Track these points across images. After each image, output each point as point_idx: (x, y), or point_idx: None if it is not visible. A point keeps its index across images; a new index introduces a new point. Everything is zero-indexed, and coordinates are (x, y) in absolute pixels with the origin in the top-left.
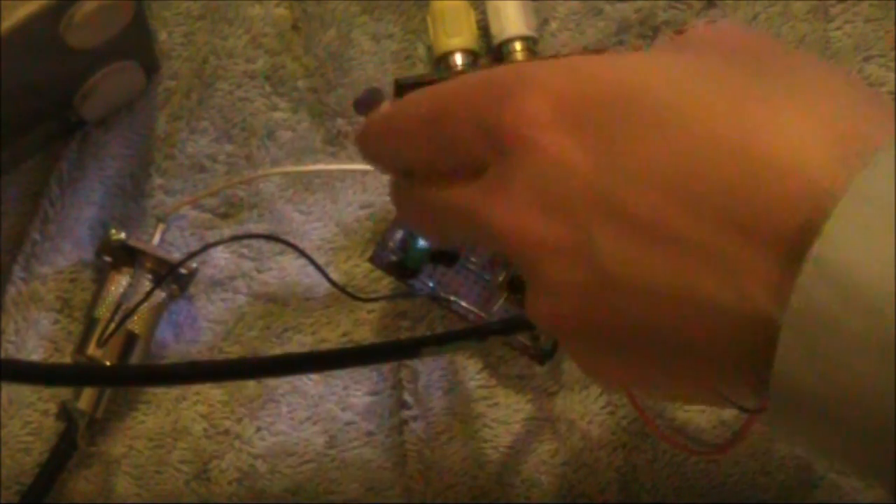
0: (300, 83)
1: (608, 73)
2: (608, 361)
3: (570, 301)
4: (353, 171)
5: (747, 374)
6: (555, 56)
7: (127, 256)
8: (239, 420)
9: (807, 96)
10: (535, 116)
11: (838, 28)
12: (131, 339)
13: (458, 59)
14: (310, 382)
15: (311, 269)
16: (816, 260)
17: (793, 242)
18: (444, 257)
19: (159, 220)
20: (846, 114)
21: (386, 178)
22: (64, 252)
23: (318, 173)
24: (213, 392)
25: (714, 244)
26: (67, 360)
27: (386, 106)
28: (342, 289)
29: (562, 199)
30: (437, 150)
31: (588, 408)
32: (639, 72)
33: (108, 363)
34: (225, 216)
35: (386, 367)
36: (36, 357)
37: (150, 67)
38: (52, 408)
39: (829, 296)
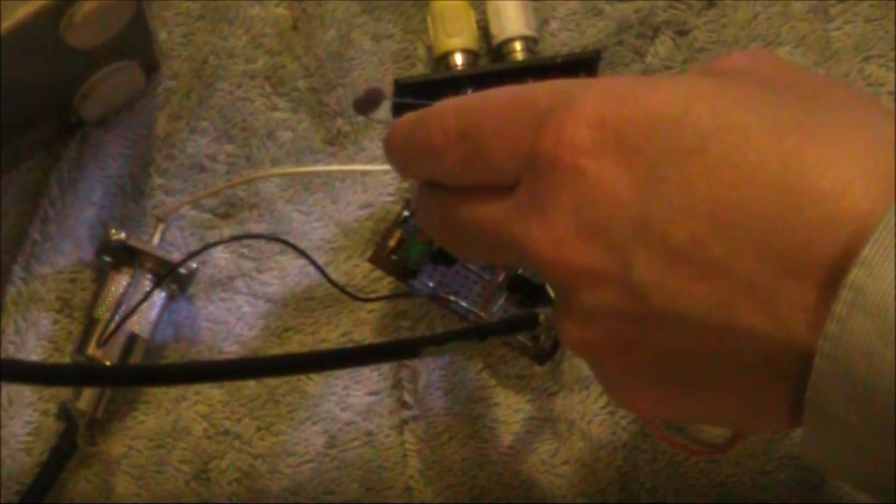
0: (300, 83)
1: (649, 98)
2: (638, 387)
3: (605, 327)
4: (353, 172)
5: (782, 400)
6: (555, 58)
7: (127, 256)
8: (239, 420)
9: (844, 128)
10: (576, 142)
11: (838, 28)
12: (131, 339)
13: (458, 59)
14: (310, 382)
15: (311, 269)
16: (852, 287)
17: (831, 271)
18: (444, 257)
19: (159, 220)
20: (884, 146)
21: (386, 179)
22: (64, 252)
23: (318, 173)
24: (213, 392)
25: (753, 274)
26: (67, 360)
27: (410, 114)
28: (342, 289)
29: (601, 225)
30: (464, 165)
31: (588, 408)
32: (680, 98)
33: (108, 363)
34: (225, 216)
35: (386, 367)
36: (36, 357)
37: (150, 67)
38: (52, 408)
39: (864, 323)
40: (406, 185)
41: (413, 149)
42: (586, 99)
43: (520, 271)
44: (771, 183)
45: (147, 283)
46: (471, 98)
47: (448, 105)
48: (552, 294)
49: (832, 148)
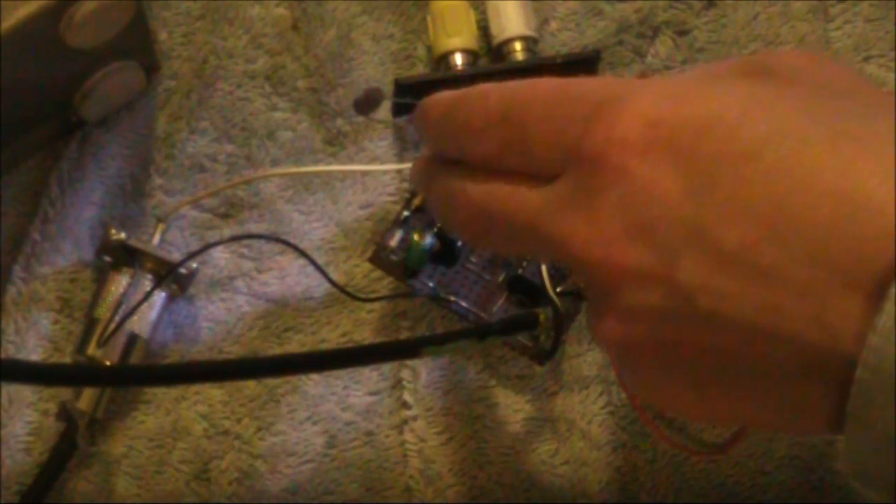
0: (300, 83)
1: (705, 99)
2: (672, 387)
3: (647, 326)
4: (353, 172)
5: (823, 406)
6: (555, 59)
7: (127, 256)
8: (239, 420)
9: None
10: (628, 139)
11: (838, 28)
12: (131, 339)
13: (458, 59)
14: (310, 382)
15: (311, 269)
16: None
17: (880, 283)
18: (444, 257)
19: (159, 220)
20: None
21: (385, 179)
22: (64, 252)
23: (318, 173)
24: (213, 392)
25: (804, 281)
26: (67, 360)
27: (447, 92)
28: (342, 289)
29: (651, 225)
30: (503, 149)
31: (588, 408)
32: (738, 102)
33: (108, 363)
34: (225, 216)
35: (386, 367)
36: (36, 357)
37: (150, 67)
38: (52, 408)
39: None
40: (406, 185)
41: (449, 125)
42: (640, 96)
43: (519, 271)
44: (827, 192)
45: (147, 283)
46: (514, 84)
47: (490, 87)
48: (554, 296)
49: (886, 158)
